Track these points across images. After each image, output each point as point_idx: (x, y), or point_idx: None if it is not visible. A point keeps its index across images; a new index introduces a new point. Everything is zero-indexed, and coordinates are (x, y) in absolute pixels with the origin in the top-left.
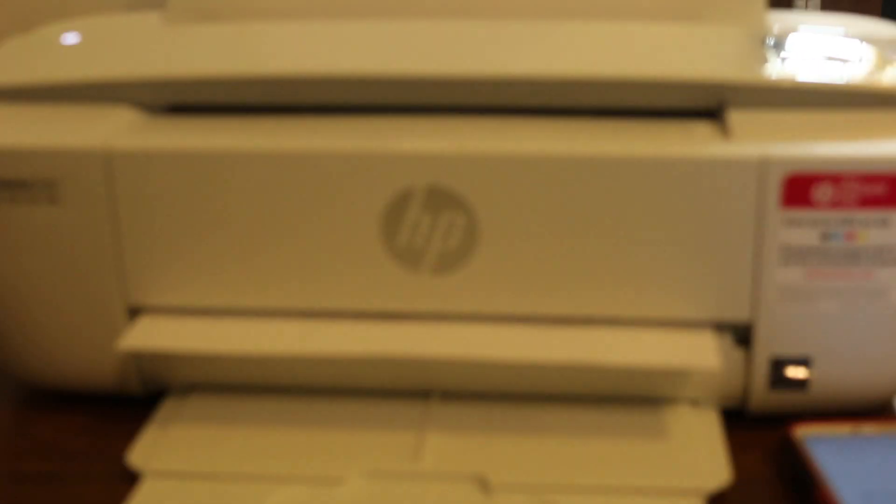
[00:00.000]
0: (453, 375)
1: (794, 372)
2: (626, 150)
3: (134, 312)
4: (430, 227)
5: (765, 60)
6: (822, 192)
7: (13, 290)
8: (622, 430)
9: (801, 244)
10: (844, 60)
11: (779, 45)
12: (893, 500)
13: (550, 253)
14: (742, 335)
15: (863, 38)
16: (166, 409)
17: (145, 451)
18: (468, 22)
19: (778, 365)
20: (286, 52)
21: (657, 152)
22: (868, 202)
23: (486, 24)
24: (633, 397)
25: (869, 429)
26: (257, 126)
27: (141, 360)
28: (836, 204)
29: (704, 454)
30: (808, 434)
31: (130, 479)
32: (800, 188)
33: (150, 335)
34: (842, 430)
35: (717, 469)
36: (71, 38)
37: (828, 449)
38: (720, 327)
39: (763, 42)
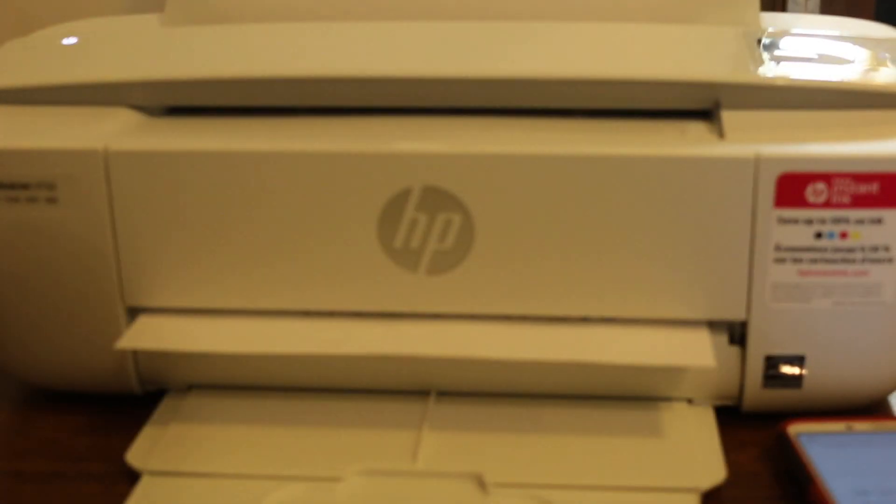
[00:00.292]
0: (450, 374)
1: (789, 370)
2: (621, 149)
3: (133, 312)
4: (426, 227)
5: (759, 61)
6: (816, 192)
7: (13, 291)
8: (618, 428)
9: (795, 243)
10: (837, 61)
11: (772, 46)
12: (887, 497)
13: (546, 252)
14: (736, 333)
15: (856, 39)
16: (165, 408)
17: (144, 451)
18: (464, 23)
19: (772, 363)
20: (283, 54)
21: (652, 152)
22: (861, 201)
23: (481, 25)
24: (629, 396)
25: (862, 426)
26: (255, 127)
27: (140, 360)
28: (829, 203)
29: (700, 452)
30: (802, 431)
31: (130, 477)
32: (793, 187)
33: (149, 335)
34: (835, 427)
35: (712, 466)
36: (70, 41)
37: (822, 446)
38: (715, 325)
39: (757, 43)
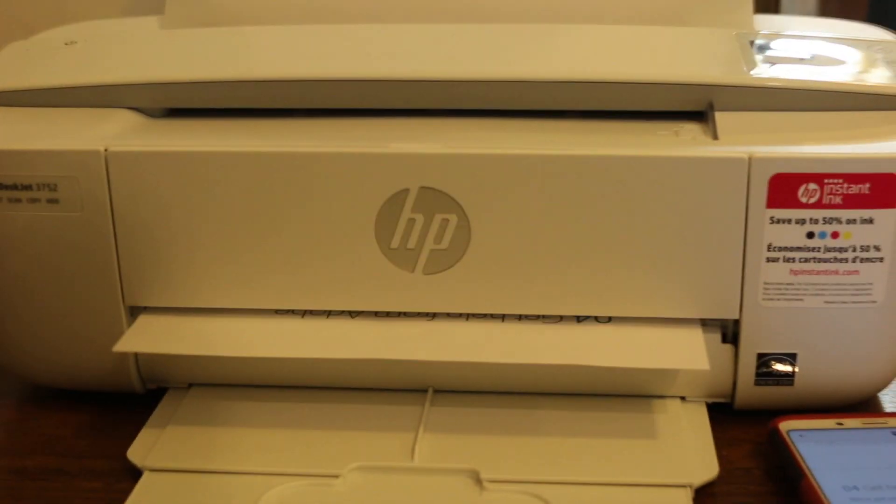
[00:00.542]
0: (447, 373)
1: (780, 367)
2: (616, 150)
3: (134, 312)
4: (423, 227)
5: (752, 63)
6: (808, 192)
7: (15, 290)
8: (612, 425)
9: (787, 242)
10: (830, 62)
11: (765, 48)
12: (876, 493)
13: (542, 252)
14: (729, 332)
15: (848, 41)
16: (166, 406)
17: (145, 448)
18: (459, 26)
19: (764, 361)
20: (281, 56)
21: (646, 152)
22: (852, 201)
23: (476, 27)
24: (623, 394)
25: (852, 423)
26: (254, 129)
27: (140, 359)
28: (821, 203)
29: (693, 448)
30: (793, 428)
31: (131, 474)
32: (786, 188)
33: (148, 336)
34: (826, 424)
35: (704, 463)
36: (71, 43)
37: (812, 442)
38: (708, 324)
39: (750, 44)
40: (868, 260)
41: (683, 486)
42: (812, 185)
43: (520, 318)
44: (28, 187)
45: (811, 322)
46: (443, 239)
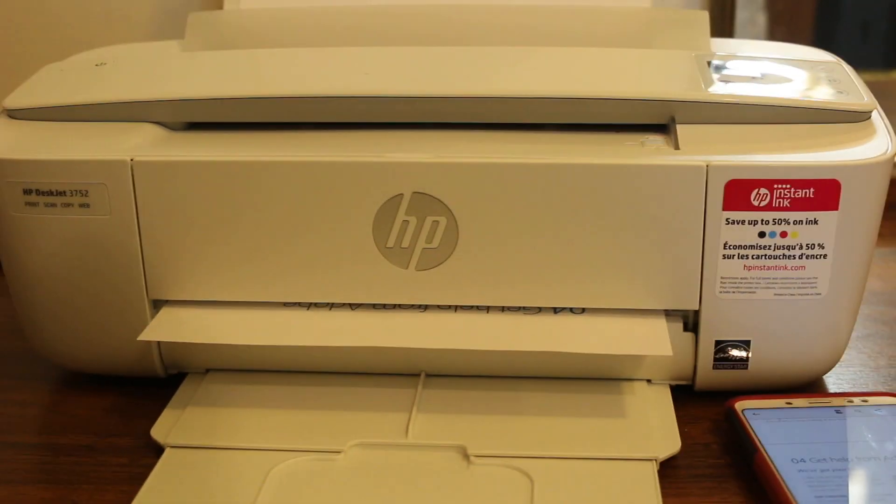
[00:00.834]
0: (438, 359)
1: (736, 353)
2: (588, 159)
3: (157, 304)
4: (416, 228)
5: (709, 81)
6: (759, 196)
7: (51, 286)
8: (586, 405)
9: (741, 241)
10: (779, 81)
11: (721, 68)
12: (821, 464)
13: (523, 250)
14: (690, 321)
15: (795, 62)
16: (185, 390)
17: (166, 427)
18: (448, 48)
19: (721, 347)
20: (289, 76)
21: (615, 161)
22: (799, 204)
23: (464, 50)
24: (596, 377)
25: (800, 402)
26: (265, 140)
27: (163, 347)
28: (771, 206)
29: (658, 426)
30: (747, 407)
31: (154, 451)
32: (740, 192)
33: (169, 327)
34: (777, 403)
35: (668, 439)
36: (101, 64)
37: (764, 420)
38: (671, 314)
39: (708, 65)
40: (813, 257)
41: (649, 460)
42: (763, 190)
43: (503, 309)
44: (62, 193)
45: (763, 312)
46: (434, 239)
